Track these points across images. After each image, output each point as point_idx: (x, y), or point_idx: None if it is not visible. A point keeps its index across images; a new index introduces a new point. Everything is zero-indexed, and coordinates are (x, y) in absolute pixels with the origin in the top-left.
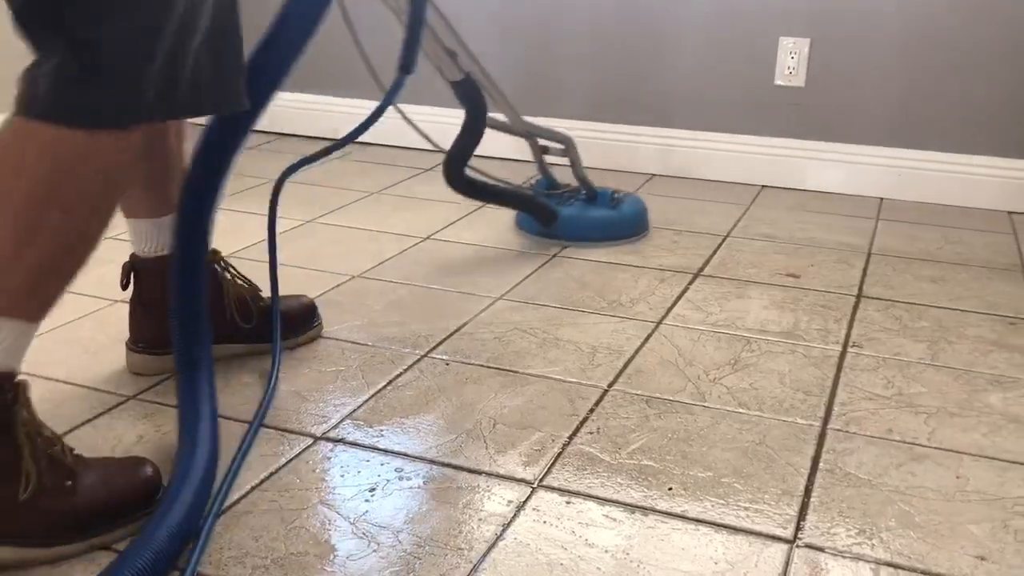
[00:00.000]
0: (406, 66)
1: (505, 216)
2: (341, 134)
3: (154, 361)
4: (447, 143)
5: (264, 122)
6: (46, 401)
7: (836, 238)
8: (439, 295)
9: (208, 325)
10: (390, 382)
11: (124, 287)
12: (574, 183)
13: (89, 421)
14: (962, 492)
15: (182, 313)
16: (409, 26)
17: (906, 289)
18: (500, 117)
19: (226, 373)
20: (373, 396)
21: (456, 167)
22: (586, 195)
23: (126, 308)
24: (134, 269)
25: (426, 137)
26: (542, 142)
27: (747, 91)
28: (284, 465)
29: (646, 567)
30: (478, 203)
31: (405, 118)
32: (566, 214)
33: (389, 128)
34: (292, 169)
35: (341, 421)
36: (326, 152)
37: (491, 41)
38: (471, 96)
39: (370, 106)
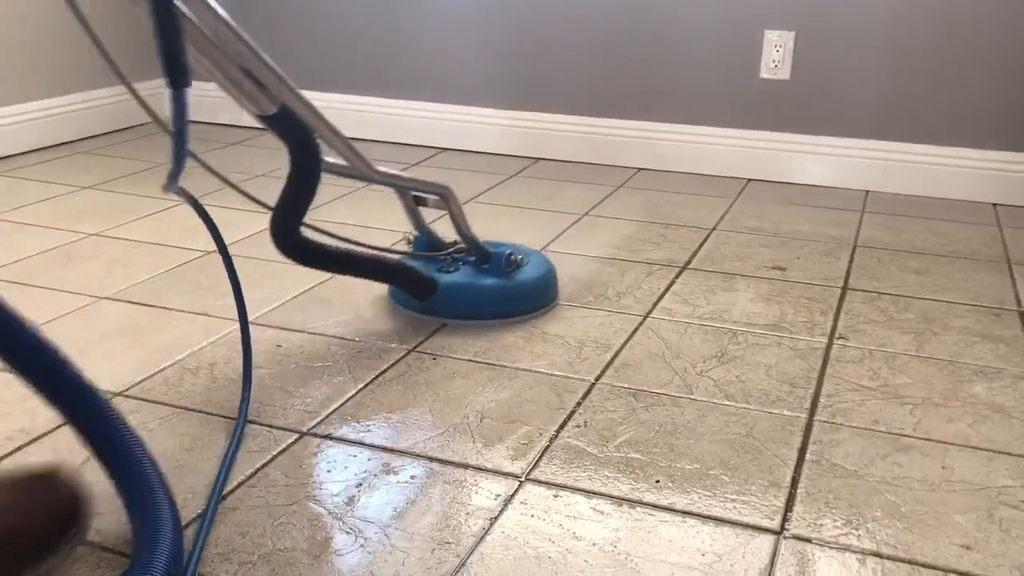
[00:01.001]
0: (173, 79)
1: (499, 212)
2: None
3: None
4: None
5: (250, 118)
6: (30, 399)
7: (822, 231)
8: None
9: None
10: (377, 377)
11: None
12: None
13: None
14: (947, 482)
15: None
16: (156, 23)
17: (891, 281)
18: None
19: (212, 370)
20: (360, 391)
21: (285, 226)
22: (475, 257)
23: (111, 305)
24: None
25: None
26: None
27: (732, 84)
28: (271, 461)
29: (634, 559)
30: (465, 198)
31: (158, 120)
32: (445, 284)
33: (374, 123)
34: (174, 181)
35: (328, 416)
36: (175, 171)
37: (478, 36)
38: (293, 134)
39: (366, 101)
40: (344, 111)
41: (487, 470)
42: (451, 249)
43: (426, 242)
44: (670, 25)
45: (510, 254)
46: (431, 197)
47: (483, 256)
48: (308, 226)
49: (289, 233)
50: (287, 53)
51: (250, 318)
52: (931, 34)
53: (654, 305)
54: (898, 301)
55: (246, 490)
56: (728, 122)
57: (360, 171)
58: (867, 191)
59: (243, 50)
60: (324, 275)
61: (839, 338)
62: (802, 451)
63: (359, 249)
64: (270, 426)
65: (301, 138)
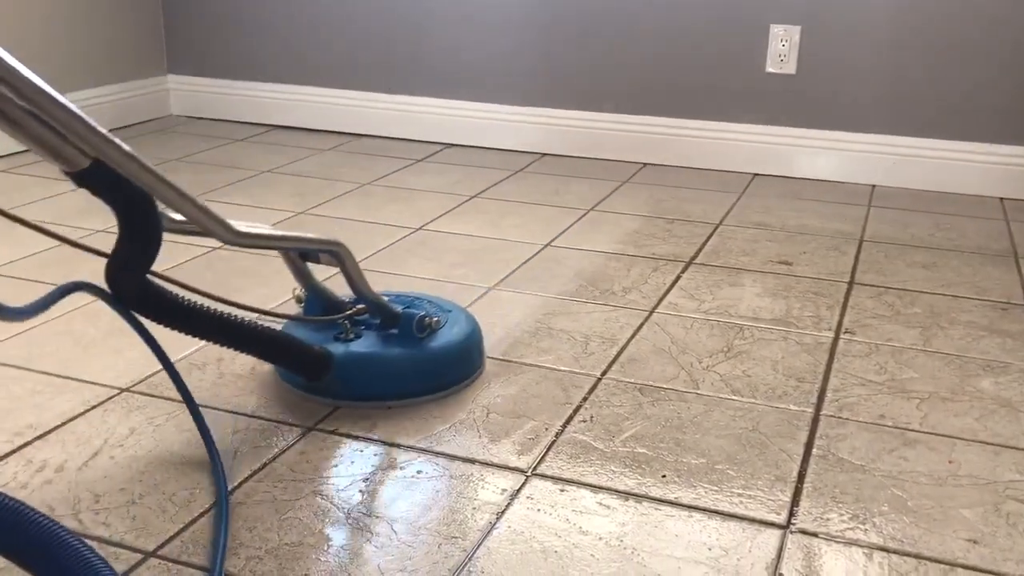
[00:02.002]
0: None
1: (505, 207)
2: (336, 126)
3: None
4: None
5: (256, 114)
6: (38, 395)
7: (828, 225)
8: (430, 286)
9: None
10: None
11: None
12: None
13: (82, 415)
14: (954, 476)
15: None
16: None
17: (898, 275)
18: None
19: (219, 365)
20: None
21: (127, 278)
22: (381, 320)
23: None
24: None
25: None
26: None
27: (738, 79)
28: (277, 456)
29: (640, 554)
30: (471, 193)
31: None
32: (340, 356)
33: (380, 119)
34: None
35: (334, 411)
36: None
37: (482, 33)
38: (113, 193)
39: (373, 97)
40: (349, 108)
41: (493, 465)
42: (350, 311)
43: (315, 302)
44: (676, 20)
45: (423, 315)
46: (322, 254)
47: (390, 318)
48: (159, 276)
49: (132, 281)
50: (295, 50)
51: (256, 314)
52: (937, 28)
53: (660, 300)
54: (905, 296)
55: (252, 485)
56: (734, 117)
57: (215, 233)
58: (874, 185)
59: (36, 96)
60: (328, 271)
61: (846, 333)
62: (808, 446)
63: (228, 313)
64: (277, 421)
65: (125, 196)
